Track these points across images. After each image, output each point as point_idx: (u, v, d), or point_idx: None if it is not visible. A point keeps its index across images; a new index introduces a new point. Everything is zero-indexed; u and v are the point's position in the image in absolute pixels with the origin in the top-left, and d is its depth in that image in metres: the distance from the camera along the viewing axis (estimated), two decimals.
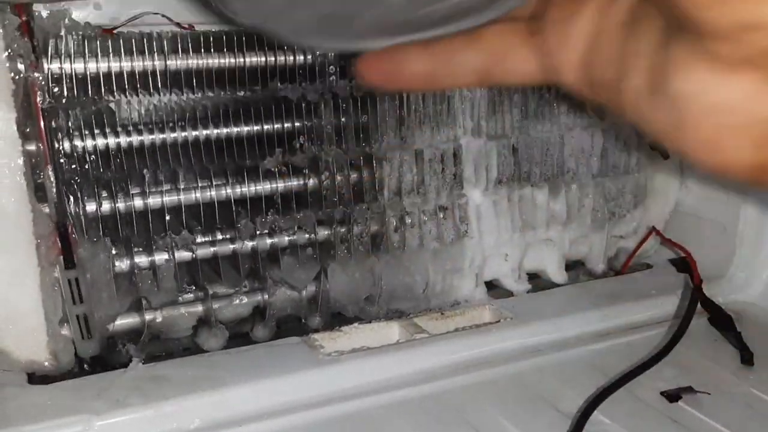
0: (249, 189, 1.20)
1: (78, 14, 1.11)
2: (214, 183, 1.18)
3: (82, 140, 1.10)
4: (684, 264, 1.30)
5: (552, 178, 1.41)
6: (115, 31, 1.13)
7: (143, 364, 1.12)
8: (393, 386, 1.11)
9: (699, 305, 1.28)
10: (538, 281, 1.47)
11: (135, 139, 1.13)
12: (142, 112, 1.15)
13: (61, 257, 1.09)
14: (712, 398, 1.09)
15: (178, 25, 1.18)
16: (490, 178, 1.36)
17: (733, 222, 1.44)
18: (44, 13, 1.08)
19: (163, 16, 1.16)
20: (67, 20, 1.09)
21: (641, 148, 1.49)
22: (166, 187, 1.16)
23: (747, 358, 1.20)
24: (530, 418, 1.04)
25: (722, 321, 1.28)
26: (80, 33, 1.10)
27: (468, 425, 1.03)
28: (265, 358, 1.14)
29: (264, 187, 1.21)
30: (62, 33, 1.08)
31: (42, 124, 1.05)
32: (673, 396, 1.08)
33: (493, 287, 1.43)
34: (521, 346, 1.23)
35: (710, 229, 1.48)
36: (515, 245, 1.41)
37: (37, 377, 1.10)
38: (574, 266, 1.53)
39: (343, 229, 1.26)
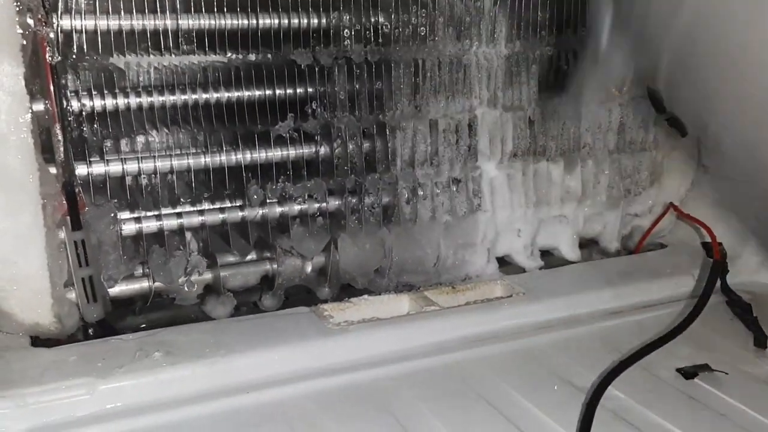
0: (259, 155, 1.18)
1: None
2: (224, 148, 1.16)
3: (91, 99, 1.08)
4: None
5: (568, 152, 1.39)
6: None
7: (150, 329, 1.10)
8: (402, 357, 1.09)
9: (720, 289, 1.26)
10: (550, 258, 1.45)
11: (145, 100, 1.11)
12: (152, 73, 1.12)
13: (68, 218, 1.06)
14: (729, 377, 1.06)
15: None
16: (505, 151, 1.33)
17: (749, 203, 1.41)
18: None
19: None
20: None
21: (659, 125, 1.47)
22: (175, 151, 1.14)
23: (761, 341, 1.17)
24: (543, 392, 1.02)
25: (740, 306, 1.25)
26: None
27: (479, 397, 1.01)
28: (273, 327, 1.12)
29: (275, 153, 1.19)
30: None
31: (51, 81, 1.02)
32: (689, 373, 1.06)
33: (505, 263, 1.41)
34: (533, 322, 1.21)
35: (726, 210, 1.45)
36: (528, 221, 1.39)
37: (40, 340, 1.08)
38: (588, 244, 1.51)
39: (354, 199, 1.24)
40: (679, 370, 1.07)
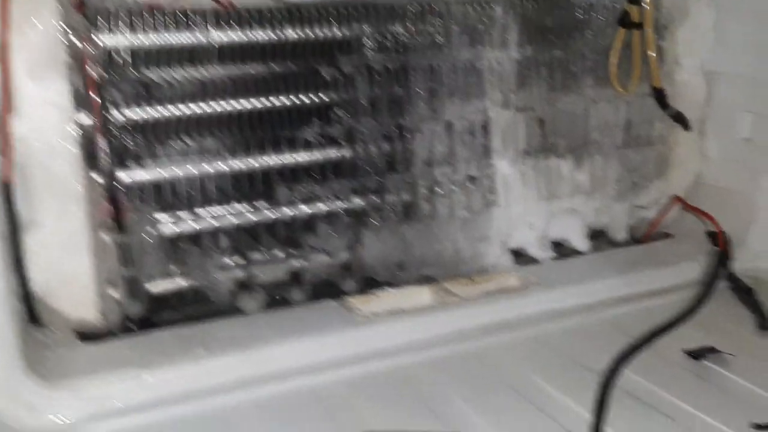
0: (288, 159, 1.25)
1: None
2: (254, 152, 1.23)
3: (130, 110, 1.14)
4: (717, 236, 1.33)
5: (577, 149, 1.46)
6: (158, 7, 1.16)
7: (187, 324, 1.18)
8: (427, 345, 1.17)
9: (724, 275, 1.32)
10: (561, 250, 1.52)
11: (180, 110, 1.17)
12: (186, 84, 1.19)
13: (112, 221, 1.14)
14: (734, 358, 1.13)
15: (216, 1, 1.21)
16: (517, 149, 1.40)
17: (752, 192, 1.48)
18: None
19: None
20: None
21: (664, 120, 1.53)
22: (210, 156, 1.21)
23: (764, 324, 1.24)
24: (561, 374, 1.09)
25: (744, 291, 1.32)
26: (128, 9, 1.13)
27: (500, 381, 1.08)
28: (304, 319, 1.19)
29: (302, 156, 1.26)
30: (111, 8, 1.12)
31: (94, 95, 1.09)
32: (697, 355, 1.13)
33: (518, 255, 1.47)
34: (548, 310, 1.28)
35: (729, 199, 1.51)
36: (540, 214, 1.46)
37: (87, 335, 1.15)
38: (597, 236, 1.57)
39: (376, 199, 1.31)
40: (687, 352, 1.14)
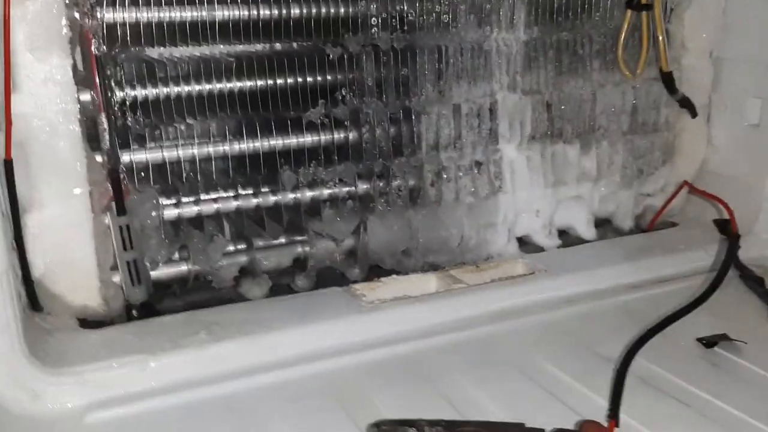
0: (292, 141, 1.22)
1: None
2: (258, 134, 1.20)
3: (133, 89, 1.12)
4: (725, 224, 1.32)
5: (583, 134, 1.44)
6: None
7: (191, 311, 1.15)
8: (435, 332, 1.14)
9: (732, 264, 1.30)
10: (566, 238, 1.50)
11: (183, 89, 1.15)
12: (189, 63, 1.16)
13: (113, 204, 1.11)
14: (747, 345, 1.11)
15: None
16: (524, 133, 1.38)
17: (760, 180, 1.46)
18: None
19: None
20: None
21: (670, 106, 1.51)
22: (213, 138, 1.18)
23: None
24: (573, 361, 1.07)
25: (753, 280, 1.31)
26: None
27: (511, 367, 1.05)
28: (309, 306, 1.17)
29: (306, 139, 1.23)
30: None
31: (96, 72, 1.06)
32: (710, 342, 1.11)
33: (523, 243, 1.45)
34: (557, 297, 1.26)
35: (736, 187, 1.50)
36: (547, 201, 1.44)
37: (88, 322, 1.12)
38: (602, 224, 1.55)
39: (382, 183, 1.28)
40: (699, 340, 1.12)
